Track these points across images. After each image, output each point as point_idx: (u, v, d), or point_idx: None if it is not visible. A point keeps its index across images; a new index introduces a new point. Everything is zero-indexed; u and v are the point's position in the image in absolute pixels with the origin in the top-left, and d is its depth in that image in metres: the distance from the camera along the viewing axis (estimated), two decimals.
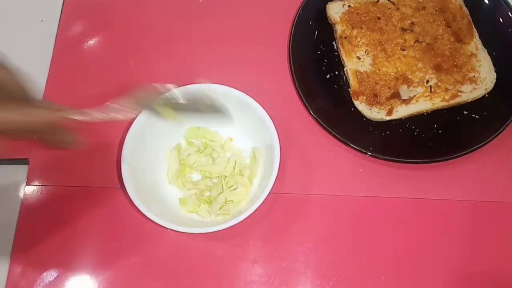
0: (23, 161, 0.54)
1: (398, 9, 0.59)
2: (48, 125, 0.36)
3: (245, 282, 0.50)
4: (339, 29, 0.59)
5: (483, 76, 0.56)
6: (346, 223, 0.52)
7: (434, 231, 0.52)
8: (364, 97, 0.56)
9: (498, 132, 0.53)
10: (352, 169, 0.55)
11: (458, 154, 0.53)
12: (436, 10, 0.59)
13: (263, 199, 0.47)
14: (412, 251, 0.51)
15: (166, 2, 0.63)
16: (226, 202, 0.51)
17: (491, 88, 0.56)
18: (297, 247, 0.51)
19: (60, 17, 0.62)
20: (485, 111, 0.56)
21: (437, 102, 0.55)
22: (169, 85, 0.44)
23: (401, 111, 0.55)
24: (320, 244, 0.51)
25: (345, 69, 0.58)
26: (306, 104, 0.55)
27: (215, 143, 0.54)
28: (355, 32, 0.58)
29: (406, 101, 0.55)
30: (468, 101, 0.56)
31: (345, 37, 0.58)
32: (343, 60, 0.58)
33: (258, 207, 0.47)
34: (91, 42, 0.61)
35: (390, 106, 0.55)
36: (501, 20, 0.59)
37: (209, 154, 0.53)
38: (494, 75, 0.56)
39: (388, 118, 0.55)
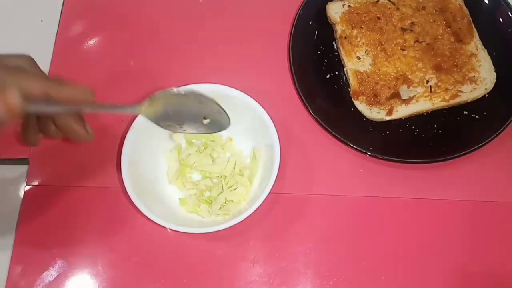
0: (23, 161, 0.54)
1: (398, 9, 0.59)
2: (75, 101, 0.38)
3: (245, 282, 0.50)
4: (339, 29, 0.59)
5: (483, 76, 0.56)
6: (346, 223, 0.52)
7: (434, 231, 0.52)
8: (364, 97, 0.56)
9: (498, 132, 0.53)
10: (352, 169, 0.54)
11: (458, 154, 0.53)
12: (436, 10, 0.59)
13: (263, 199, 0.47)
14: (412, 251, 0.51)
15: (166, 2, 0.63)
16: (226, 202, 0.51)
17: (491, 88, 0.56)
18: (297, 247, 0.51)
19: (60, 17, 0.62)
20: (485, 111, 0.56)
21: (437, 102, 0.56)
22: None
23: (401, 111, 0.55)
24: (320, 244, 0.51)
25: (345, 69, 0.58)
26: (306, 104, 0.55)
27: (215, 143, 0.54)
28: (355, 32, 0.58)
29: (406, 101, 0.55)
30: (468, 101, 0.56)
31: (345, 37, 0.58)
32: (343, 60, 0.58)
33: (258, 207, 0.47)
34: (91, 42, 0.61)
35: (390, 106, 0.55)
36: (501, 20, 0.59)
37: (209, 154, 0.53)
38: (494, 75, 0.56)
39: (388, 118, 0.55)
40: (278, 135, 0.50)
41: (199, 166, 0.53)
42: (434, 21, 0.59)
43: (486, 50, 0.58)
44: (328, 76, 0.58)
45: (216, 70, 0.59)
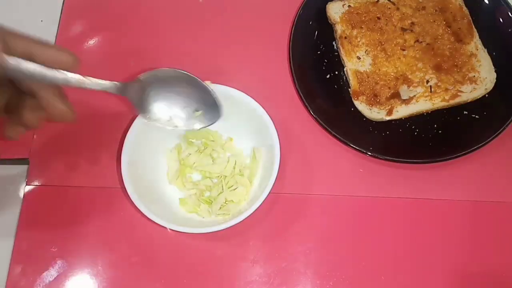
0: (23, 161, 0.54)
1: (398, 9, 0.59)
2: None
3: (245, 282, 0.50)
4: (339, 29, 0.59)
5: (483, 76, 0.56)
6: (346, 223, 0.52)
7: (434, 231, 0.52)
8: (364, 97, 0.56)
9: (498, 132, 0.53)
10: (352, 169, 0.55)
11: (458, 154, 0.53)
12: (436, 10, 0.59)
13: (263, 199, 0.47)
14: (412, 251, 0.51)
15: (166, 2, 0.63)
16: (226, 202, 0.51)
17: (491, 88, 0.56)
18: (297, 247, 0.51)
19: (60, 17, 0.62)
20: (485, 111, 0.56)
21: (437, 102, 0.56)
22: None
23: (401, 111, 0.55)
24: (320, 244, 0.51)
25: (345, 69, 0.58)
26: (306, 104, 0.55)
27: (215, 143, 0.54)
28: (355, 32, 0.58)
29: (406, 101, 0.55)
30: (468, 101, 0.56)
31: (345, 37, 0.58)
32: (343, 60, 0.58)
33: (258, 207, 0.47)
34: (91, 42, 0.61)
35: (390, 106, 0.55)
36: (501, 20, 0.59)
37: (209, 154, 0.53)
38: (494, 75, 0.56)
39: (388, 118, 0.55)
40: (278, 135, 0.50)
41: (199, 166, 0.53)
42: (434, 21, 0.59)
43: (486, 50, 0.58)
44: (328, 76, 0.58)
45: (216, 70, 0.59)
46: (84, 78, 0.39)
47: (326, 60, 0.59)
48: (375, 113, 0.55)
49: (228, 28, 0.61)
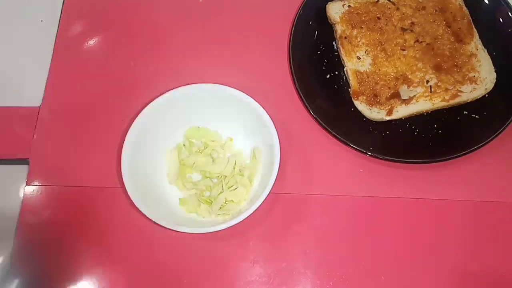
0: (23, 161, 0.54)
1: (398, 9, 0.59)
2: None
3: (245, 282, 0.50)
4: (339, 29, 0.59)
5: (483, 76, 0.56)
6: (346, 223, 0.52)
7: (434, 231, 0.52)
8: (364, 97, 0.56)
9: (498, 132, 0.53)
10: (352, 169, 0.54)
11: (458, 154, 0.53)
12: (436, 10, 0.59)
13: (263, 199, 0.47)
14: (412, 251, 0.51)
15: (166, 2, 0.63)
16: (226, 202, 0.51)
17: (491, 88, 0.56)
18: (297, 247, 0.51)
19: (60, 17, 0.62)
20: (485, 111, 0.56)
21: (437, 102, 0.56)
22: None
23: (401, 111, 0.55)
24: (320, 244, 0.51)
25: (345, 69, 0.58)
26: (306, 104, 0.55)
27: (215, 143, 0.54)
28: (355, 32, 0.58)
29: (406, 101, 0.55)
30: (468, 101, 0.56)
31: (345, 37, 0.58)
32: (343, 60, 0.58)
33: (258, 207, 0.47)
34: (91, 42, 0.61)
35: (390, 106, 0.55)
36: (501, 20, 0.59)
37: (209, 154, 0.53)
38: (494, 75, 0.56)
39: (388, 118, 0.55)
40: (278, 135, 0.50)
41: (199, 166, 0.53)
42: (434, 21, 0.59)
43: (486, 50, 0.58)
44: (328, 76, 0.58)
45: (216, 70, 0.59)
46: None
47: (326, 60, 0.59)
48: (375, 113, 0.55)
49: (228, 28, 0.61)
